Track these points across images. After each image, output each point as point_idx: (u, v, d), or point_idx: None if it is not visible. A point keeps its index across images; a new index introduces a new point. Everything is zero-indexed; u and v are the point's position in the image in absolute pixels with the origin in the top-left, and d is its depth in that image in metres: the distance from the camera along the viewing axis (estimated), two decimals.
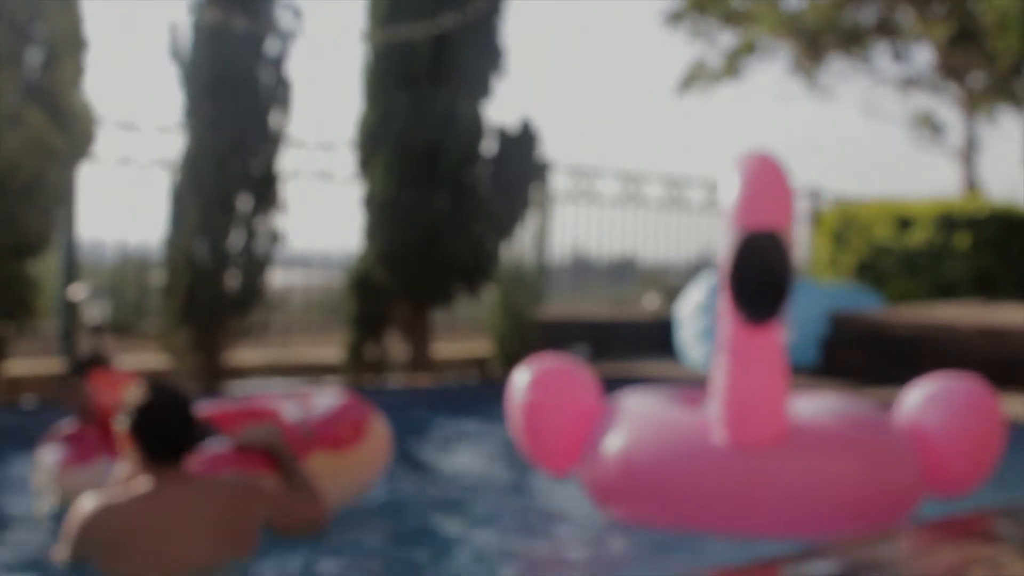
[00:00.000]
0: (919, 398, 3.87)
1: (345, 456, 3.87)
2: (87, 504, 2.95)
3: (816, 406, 3.98)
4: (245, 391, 5.75)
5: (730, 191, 3.58)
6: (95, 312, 6.71)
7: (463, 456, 5.65)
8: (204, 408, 3.98)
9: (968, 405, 3.79)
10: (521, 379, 4.09)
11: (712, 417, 3.68)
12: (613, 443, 3.85)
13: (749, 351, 3.58)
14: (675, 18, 20.60)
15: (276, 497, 3.25)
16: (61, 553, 2.97)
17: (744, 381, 3.58)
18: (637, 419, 3.88)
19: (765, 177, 3.55)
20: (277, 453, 3.46)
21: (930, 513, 3.81)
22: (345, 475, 3.87)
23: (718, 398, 3.65)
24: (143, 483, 2.97)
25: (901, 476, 3.76)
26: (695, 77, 21.16)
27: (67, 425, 3.96)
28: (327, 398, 4.16)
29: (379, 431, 4.11)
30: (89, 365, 3.94)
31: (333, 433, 3.86)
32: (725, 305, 3.61)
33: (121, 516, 2.91)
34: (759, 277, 3.51)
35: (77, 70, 5.99)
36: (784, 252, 3.48)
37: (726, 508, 3.61)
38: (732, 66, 20.71)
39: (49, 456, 3.84)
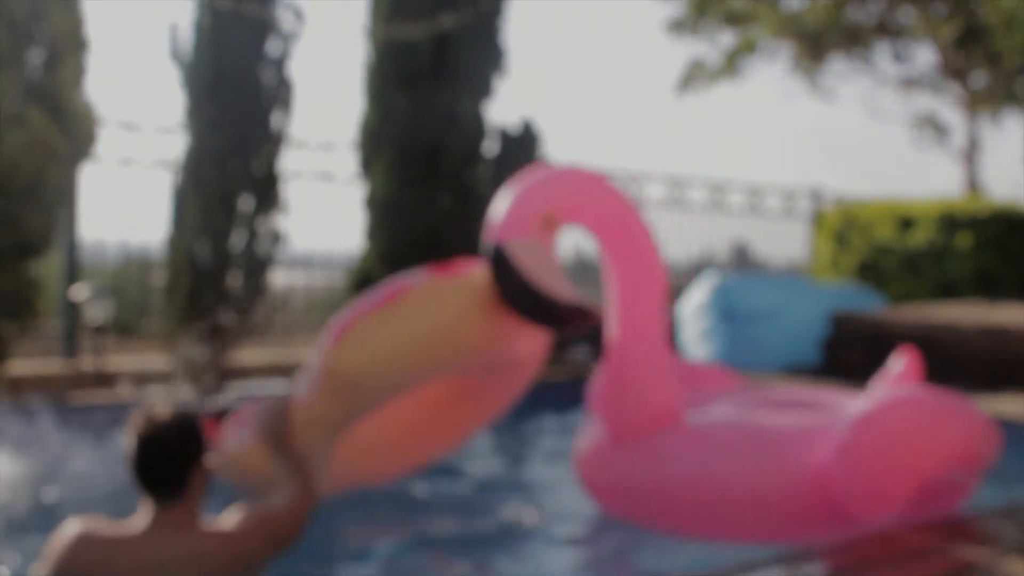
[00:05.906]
0: (852, 410, 3.54)
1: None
2: (71, 529, 2.62)
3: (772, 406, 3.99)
4: (247, 391, 5.74)
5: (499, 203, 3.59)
6: (97, 312, 6.73)
7: (462, 455, 5.65)
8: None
9: (885, 431, 3.43)
10: None
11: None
12: None
13: (618, 350, 3.67)
14: (678, 25, 20.59)
15: (277, 530, 2.68)
16: (39, 572, 2.64)
17: (611, 377, 3.71)
18: None
19: (521, 191, 3.59)
20: (273, 435, 2.91)
21: (927, 516, 3.80)
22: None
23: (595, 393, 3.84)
24: (138, 521, 2.60)
25: (783, 493, 3.45)
26: (693, 76, 21.15)
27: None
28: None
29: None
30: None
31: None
32: None
33: (98, 553, 2.57)
34: (508, 289, 3.40)
35: (78, 70, 6.00)
36: (512, 267, 3.38)
37: (605, 498, 3.84)
38: (731, 65, 20.71)
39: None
